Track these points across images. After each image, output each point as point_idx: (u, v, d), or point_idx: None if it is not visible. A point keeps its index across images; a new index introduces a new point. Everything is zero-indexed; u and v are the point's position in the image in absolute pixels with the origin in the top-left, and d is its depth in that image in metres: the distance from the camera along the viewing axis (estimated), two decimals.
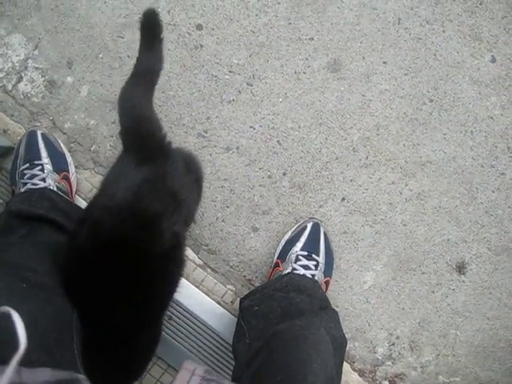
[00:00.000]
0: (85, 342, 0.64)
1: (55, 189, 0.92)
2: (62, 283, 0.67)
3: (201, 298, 1.00)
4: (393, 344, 1.04)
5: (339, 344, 0.81)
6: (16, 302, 0.63)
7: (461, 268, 1.03)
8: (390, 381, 1.05)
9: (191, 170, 0.79)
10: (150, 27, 0.73)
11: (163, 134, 0.72)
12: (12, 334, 0.39)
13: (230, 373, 0.91)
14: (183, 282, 0.99)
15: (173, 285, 0.73)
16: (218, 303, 1.01)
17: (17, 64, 1.03)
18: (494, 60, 1.03)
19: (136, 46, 1.02)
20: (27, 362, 0.54)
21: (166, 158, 0.70)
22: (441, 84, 1.03)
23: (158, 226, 0.65)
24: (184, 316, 1.00)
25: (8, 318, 0.41)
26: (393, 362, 1.04)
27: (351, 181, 1.02)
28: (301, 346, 0.70)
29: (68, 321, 0.72)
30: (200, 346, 1.01)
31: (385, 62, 1.02)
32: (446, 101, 1.03)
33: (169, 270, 0.70)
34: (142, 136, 0.69)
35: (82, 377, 0.49)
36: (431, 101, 1.03)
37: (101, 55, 1.03)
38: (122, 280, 0.64)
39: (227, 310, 1.01)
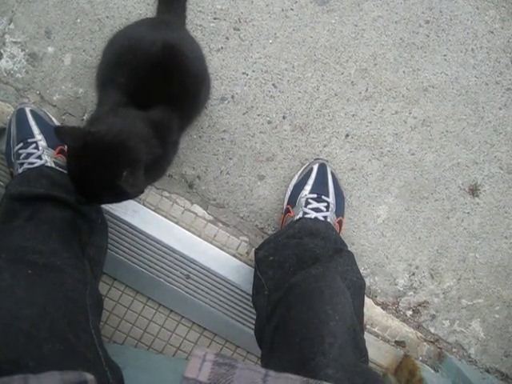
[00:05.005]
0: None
1: (53, 165, 0.90)
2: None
3: (215, 253, 1.00)
4: (413, 274, 1.04)
5: (357, 288, 0.80)
6: (22, 293, 0.62)
7: (474, 190, 1.02)
8: (413, 310, 1.05)
9: None
10: None
11: None
12: None
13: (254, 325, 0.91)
14: (196, 239, 1.00)
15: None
16: (234, 256, 1.01)
17: None
18: None
19: (113, 5, 0.98)
20: (40, 357, 0.54)
21: None
22: (435, 3, 0.98)
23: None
24: (201, 273, 1.00)
25: None
26: (414, 292, 1.05)
27: (353, 116, 1.00)
28: (316, 302, 0.69)
29: (81, 300, 0.70)
30: (221, 301, 1.02)
31: None
32: (442, 20, 0.98)
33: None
34: None
35: (90, 377, 0.49)
36: (427, 22, 0.98)
37: (78, 20, 0.98)
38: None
39: (244, 262, 1.01)
